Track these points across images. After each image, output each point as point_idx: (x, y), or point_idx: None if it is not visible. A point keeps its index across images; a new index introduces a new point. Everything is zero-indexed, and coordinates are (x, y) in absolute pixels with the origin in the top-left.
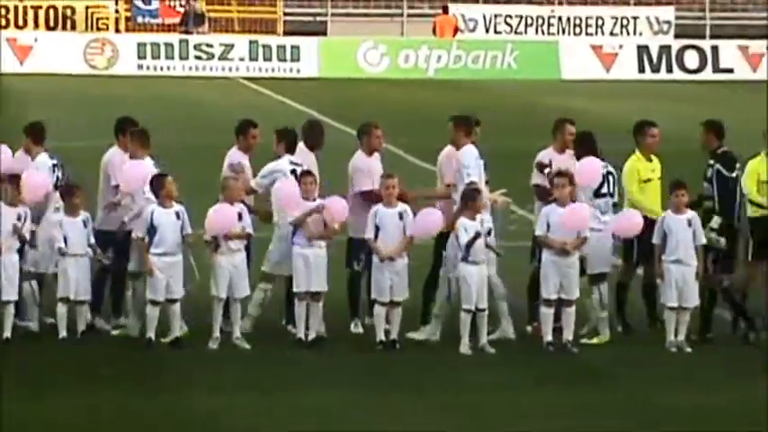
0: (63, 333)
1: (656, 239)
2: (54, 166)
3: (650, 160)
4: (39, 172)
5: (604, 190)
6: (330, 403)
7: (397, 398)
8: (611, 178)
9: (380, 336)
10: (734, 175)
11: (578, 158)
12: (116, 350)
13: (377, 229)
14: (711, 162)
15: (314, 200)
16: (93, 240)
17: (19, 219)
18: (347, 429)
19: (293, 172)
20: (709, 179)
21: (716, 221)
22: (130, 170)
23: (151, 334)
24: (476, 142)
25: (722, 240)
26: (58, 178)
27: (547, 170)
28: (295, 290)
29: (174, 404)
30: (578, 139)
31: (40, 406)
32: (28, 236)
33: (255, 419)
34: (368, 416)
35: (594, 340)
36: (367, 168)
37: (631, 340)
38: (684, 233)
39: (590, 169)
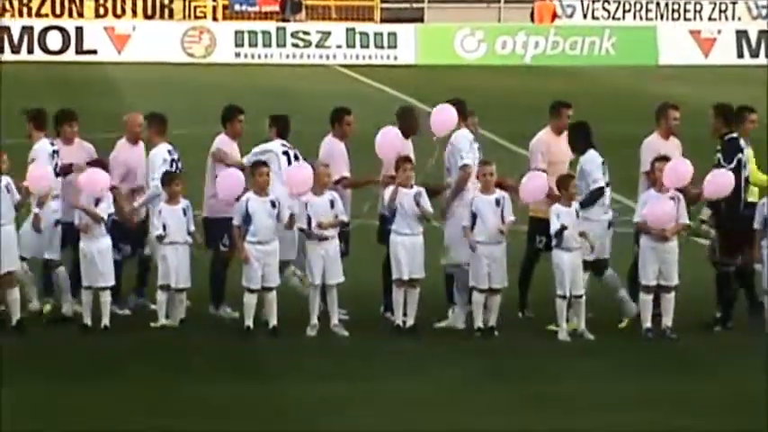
0: (162, 320)
1: (757, 224)
2: (54, 152)
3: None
4: (41, 163)
5: (607, 179)
6: (429, 391)
7: (494, 387)
8: (606, 167)
9: (478, 323)
10: (732, 165)
11: (573, 149)
12: (214, 338)
13: (474, 216)
14: (718, 148)
15: (411, 187)
16: (192, 228)
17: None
18: (446, 419)
19: (285, 153)
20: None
21: (705, 213)
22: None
23: (249, 322)
24: (473, 127)
25: (712, 231)
26: (56, 165)
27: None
28: (394, 277)
29: (273, 392)
30: (572, 129)
31: (127, 390)
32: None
33: (356, 409)
34: (463, 405)
35: (624, 323)
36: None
37: (732, 327)
38: None
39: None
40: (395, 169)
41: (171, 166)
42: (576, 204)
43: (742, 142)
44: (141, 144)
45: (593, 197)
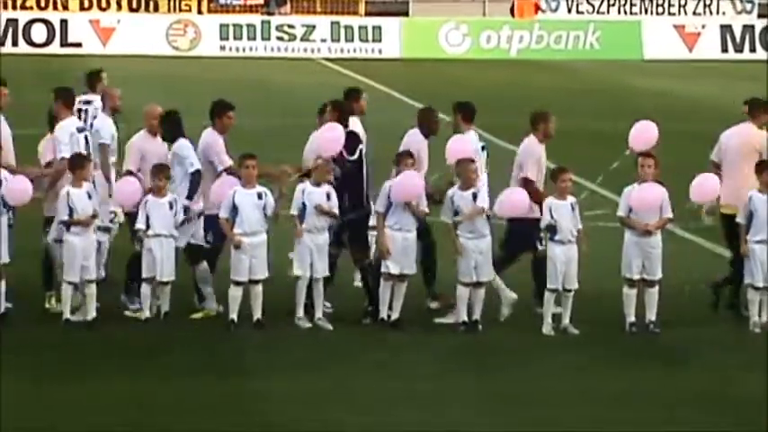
0: (147, 313)
1: (741, 218)
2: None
3: None
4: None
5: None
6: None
7: (476, 381)
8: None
9: (463, 317)
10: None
11: (163, 138)
12: (199, 331)
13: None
14: None
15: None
16: (180, 222)
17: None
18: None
19: None
20: None
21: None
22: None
23: (234, 315)
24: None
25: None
26: (86, 142)
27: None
28: (383, 271)
29: (257, 385)
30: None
31: (112, 385)
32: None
33: (340, 403)
34: (445, 399)
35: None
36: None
37: (714, 320)
38: None
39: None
40: (395, 164)
41: (78, 141)
42: (571, 198)
43: None
44: (159, 137)
45: (194, 181)
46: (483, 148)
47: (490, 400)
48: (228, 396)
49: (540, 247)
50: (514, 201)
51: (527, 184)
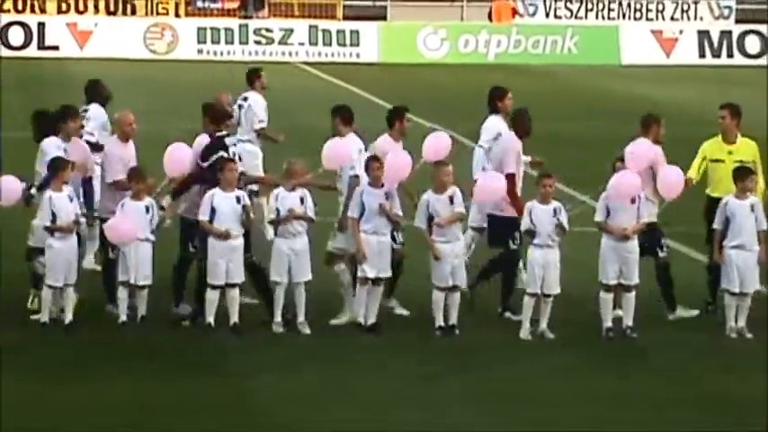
0: (123, 317)
1: (717, 224)
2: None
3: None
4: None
5: None
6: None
7: (450, 381)
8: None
9: (439, 321)
10: None
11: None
12: (176, 335)
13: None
14: None
15: (381, 186)
16: (154, 226)
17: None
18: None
19: None
20: None
21: None
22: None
23: (211, 319)
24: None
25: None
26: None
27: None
28: (359, 275)
29: (231, 389)
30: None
31: (96, 389)
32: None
33: (318, 405)
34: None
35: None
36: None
37: (690, 326)
38: (747, 218)
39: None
40: (365, 168)
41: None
42: (555, 203)
43: None
44: (131, 142)
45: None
46: (365, 149)
47: (482, 401)
48: (206, 396)
49: (512, 246)
50: (494, 187)
51: (509, 179)
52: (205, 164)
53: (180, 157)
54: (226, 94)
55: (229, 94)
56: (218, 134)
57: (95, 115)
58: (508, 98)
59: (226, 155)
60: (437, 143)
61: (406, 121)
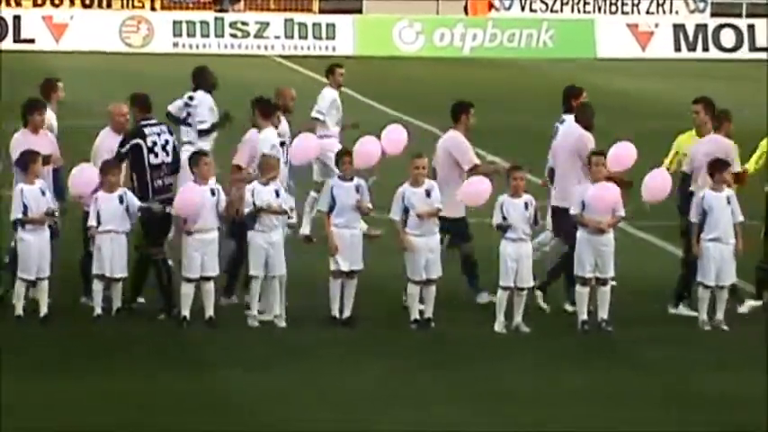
0: (98, 310)
1: (694, 218)
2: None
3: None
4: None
5: None
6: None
7: (426, 375)
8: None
9: (415, 314)
10: None
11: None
12: (150, 329)
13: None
14: None
15: (351, 179)
16: (133, 217)
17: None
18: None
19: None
20: None
21: None
22: None
23: (186, 312)
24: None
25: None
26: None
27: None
28: (332, 268)
29: (208, 383)
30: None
31: (69, 384)
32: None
33: (294, 400)
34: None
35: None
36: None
37: (665, 320)
38: (724, 211)
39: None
40: (335, 163)
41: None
42: (526, 196)
43: None
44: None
45: None
46: (282, 144)
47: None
48: (182, 391)
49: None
50: (480, 190)
51: (477, 168)
52: (123, 150)
53: (85, 181)
54: (289, 89)
55: (293, 89)
56: (142, 122)
57: (202, 101)
58: (584, 97)
59: (142, 142)
60: (391, 136)
61: (472, 116)
